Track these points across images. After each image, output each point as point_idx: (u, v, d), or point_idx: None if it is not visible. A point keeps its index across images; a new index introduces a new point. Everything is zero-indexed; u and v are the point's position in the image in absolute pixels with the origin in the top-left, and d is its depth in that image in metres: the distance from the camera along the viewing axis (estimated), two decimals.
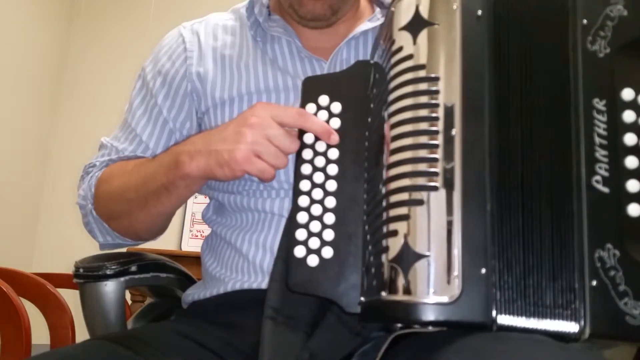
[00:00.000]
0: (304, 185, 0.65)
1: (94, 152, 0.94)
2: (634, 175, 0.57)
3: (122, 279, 0.85)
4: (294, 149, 0.68)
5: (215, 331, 0.77)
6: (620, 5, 0.60)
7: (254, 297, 0.74)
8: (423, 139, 0.56)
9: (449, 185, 0.54)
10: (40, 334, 1.16)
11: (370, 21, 0.86)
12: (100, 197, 0.86)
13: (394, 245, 0.54)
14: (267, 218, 0.82)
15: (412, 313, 0.52)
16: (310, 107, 0.68)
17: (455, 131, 0.55)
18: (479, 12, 0.58)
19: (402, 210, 0.55)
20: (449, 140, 0.55)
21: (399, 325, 0.55)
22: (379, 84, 0.64)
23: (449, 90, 0.56)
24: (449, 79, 0.56)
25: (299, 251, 0.63)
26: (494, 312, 0.52)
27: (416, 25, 0.59)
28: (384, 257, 0.55)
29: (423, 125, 0.56)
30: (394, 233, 0.55)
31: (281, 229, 0.75)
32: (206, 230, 0.99)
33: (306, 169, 0.66)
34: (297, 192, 0.65)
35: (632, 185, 0.57)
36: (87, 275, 0.85)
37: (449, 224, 0.53)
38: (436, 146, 0.55)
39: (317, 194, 0.65)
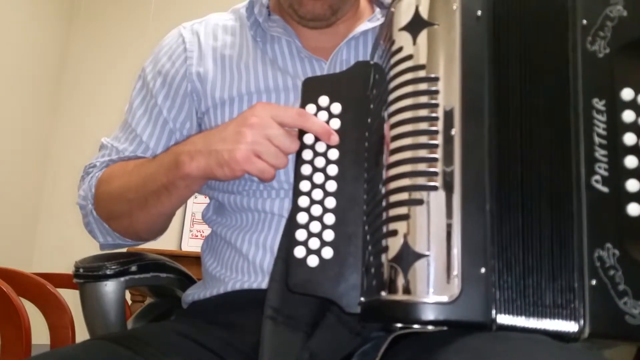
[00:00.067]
0: (304, 185, 0.65)
1: (94, 152, 0.94)
2: (634, 175, 0.57)
3: (122, 279, 0.85)
4: (294, 149, 0.68)
5: (215, 331, 0.77)
6: (620, 6, 0.60)
7: (254, 297, 0.75)
8: (423, 139, 0.56)
9: (448, 185, 0.54)
10: (40, 334, 1.16)
11: (370, 21, 0.86)
12: (100, 198, 0.86)
13: (394, 245, 0.54)
14: (267, 218, 0.82)
15: (412, 313, 0.52)
16: (310, 108, 0.68)
17: (455, 131, 0.55)
18: (479, 13, 0.58)
19: (402, 210, 0.55)
20: (448, 140, 0.55)
21: (399, 325, 0.55)
22: (379, 84, 0.64)
23: (449, 91, 0.56)
24: (449, 79, 0.56)
25: (299, 251, 0.63)
26: (493, 312, 0.52)
27: (416, 25, 0.59)
28: (383, 257, 0.55)
29: (423, 125, 0.56)
30: (394, 233, 0.55)
31: (281, 229, 0.75)
32: (206, 230, 0.99)
33: (306, 169, 0.66)
34: (297, 193, 0.65)
35: (631, 185, 0.57)
36: (87, 275, 0.85)
37: (449, 223, 0.53)
38: (436, 146, 0.55)
39: (317, 194, 0.65)
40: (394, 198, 0.56)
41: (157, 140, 0.88)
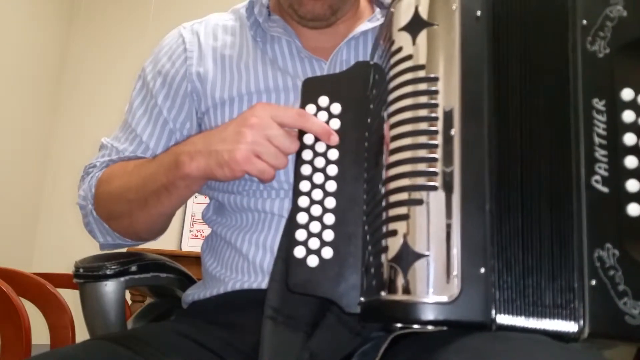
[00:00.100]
0: (304, 185, 0.65)
1: (94, 152, 0.94)
2: (634, 175, 0.57)
3: (122, 279, 0.85)
4: (294, 149, 0.68)
5: (215, 331, 0.77)
6: (620, 6, 0.60)
7: (254, 297, 0.75)
8: (422, 139, 0.56)
9: (448, 185, 0.54)
10: (40, 334, 1.16)
11: (370, 21, 0.86)
12: (100, 198, 0.86)
13: (394, 245, 0.54)
14: (267, 218, 0.82)
15: (412, 312, 0.52)
16: (310, 108, 0.68)
17: (455, 131, 0.55)
18: (478, 13, 0.58)
19: (402, 210, 0.55)
20: (448, 140, 0.55)
21: (399, 325, 0.55)
22: (379, 84, 0.64)
23: (448, 91, 0.56)
24: (448, 79, 0.56)
25: (299, 251, 0.63)
26: (493, 312, 0.52)
27: (415, 25, 0.59)
28: (383, 257, 0.55)
29: (422, 125, 0.56)
30: (394, 233, 0.55)
31: (281, 229, 0.75)
32: (206, 230, 0.99)
33: (306, 169, 0.66)
34: (297, 193, 0.65)
35: (631, 185, 0.57)
36: (87, 275, 0.85)
37: (448, 224, 0.53)
38: (435, 146, 0.55)
39: (317, 194, 0.65)
40: (393, 198, 0.56)
41: (157, 140, 0.88)
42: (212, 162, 0.70)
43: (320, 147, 0.67)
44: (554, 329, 0.53)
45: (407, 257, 0.53)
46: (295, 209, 0.65)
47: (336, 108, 0.68)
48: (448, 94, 0.56)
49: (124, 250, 0.96)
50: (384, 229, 0.56)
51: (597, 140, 0.57)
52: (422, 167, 0.55)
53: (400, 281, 0.53)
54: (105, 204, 0.86)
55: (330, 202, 0.64)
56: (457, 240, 0.52)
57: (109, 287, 0.84)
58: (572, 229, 0.55)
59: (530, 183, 0.56)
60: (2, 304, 1.07)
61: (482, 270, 0.52)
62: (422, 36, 0.58)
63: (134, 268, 0.87)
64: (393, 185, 0.56)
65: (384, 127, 0.59)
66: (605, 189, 0.56)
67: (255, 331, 0.66)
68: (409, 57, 0.58)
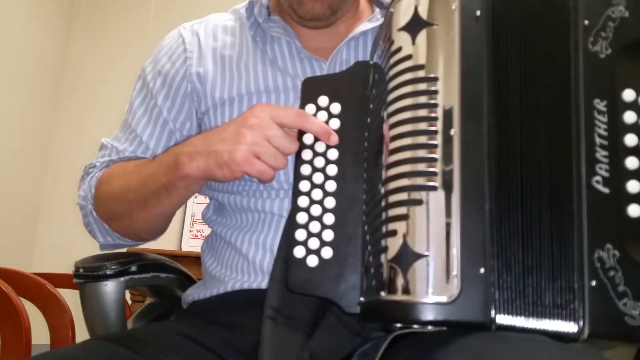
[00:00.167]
0: (304, 185, 0.65)
1: (94, 152, 0.94)
2: (634, 176, 0.57)
3: (122, 279, 0.85)
4: (293, 149, 0.68)
5: (215, 331, 0.77)
6: (622, 7, 0.60)
7: (254, 297, 0.75)
8: (422, 139, 0.56)
9: (447, 185, 0.54)
10: (40, 334, 1.16)
11: (369, 21, 0.86)
12: (100, 198, 0.86)
13: (393, 245, 0.54)
14: (267, 218, 0.82)
15: (411, 313, 0.52)
16: (310, 108, 0.68)
17: (454, 131, 0.55)
18: (478, 13, 0.58)
19: (401, 210, 0.55)
20: (447, 140, 0.55)
21: (399, 325, 0.55)
22: (378, 84, 0.64)
23: (448, 91, 0.56)
24: (448, 79, 0.56)
25: (299, 251, 0.63)
26: (492, 312, 0.52)
27: (415, 25, 0.59)
28: (383, 257, 0.55)
29: (422, 125, 0.56)
30: (393, 233, 0.55)
31: (281, 229, 0.75)
32: (206, 230, 0.99)
33: (306, 169, 0.66)
34: (296, 193, 0.65)
35: (632, 186, 0.57)
36: (87, 275, 0.85)
37: (448, 223, 0.53)
38: (435, 146, 0.55)
39: (317, 194, 0.65)
40: (393, 198, 0.56)
41: (157, 140, 0.88)
42: (212, 162, 0.70)
43: (320, 147, 0.67)
44: (554, 330, 0.53)
45: (407, 257, 0.53)
46: (295, 208, 0.65)
47: (336, 108, 0.68)
48: (447, 94, 0.56)
49: (124, 250, 0.96)
50: (384, 229, 0.56)
51: (598, 140, 0.57)
52: (421, 167, 0.55)
53: (399, 281, 0.53)
54: (105, 204, 0.86)
55: (330, 202, 0.64)
56: (457, 240, 0.52)
57: (109, 287, 0.84)
58: (572, 230, 0.55)
59: (530, 183, 0.56)
60: (2, 304, 1.07)
61: (482, 270, 0.52)
62: (422, 36, 0.58)
63: (134, 268, 0.87)
64: (393, 185, 0.56)
65: (384, 127, 0.59)
66: (605, 190, 0.56)
67: (255, 331, 0.66)
68: (409, 57, 0.58)
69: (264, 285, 0.78)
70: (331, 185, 0.65)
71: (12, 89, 2.89)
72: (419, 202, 0.54)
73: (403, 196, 0.55)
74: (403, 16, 0.60)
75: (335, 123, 0.67)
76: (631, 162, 0.57)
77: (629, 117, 0.58)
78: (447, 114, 0.56)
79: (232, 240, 0.83)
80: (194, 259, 1.58)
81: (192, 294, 0.86)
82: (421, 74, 0.57)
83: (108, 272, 0.84)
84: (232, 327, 0.77)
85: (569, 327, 0.53)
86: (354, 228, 0.63)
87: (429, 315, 0.51)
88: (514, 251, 0.54)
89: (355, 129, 0.66)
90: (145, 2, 3.10)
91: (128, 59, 2.72)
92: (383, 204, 0.57)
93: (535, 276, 0.54)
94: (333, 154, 0.66)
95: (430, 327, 0.54)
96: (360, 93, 0.67)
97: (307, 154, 0.67)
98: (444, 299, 0.51)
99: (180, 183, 0.75)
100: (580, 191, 0.56)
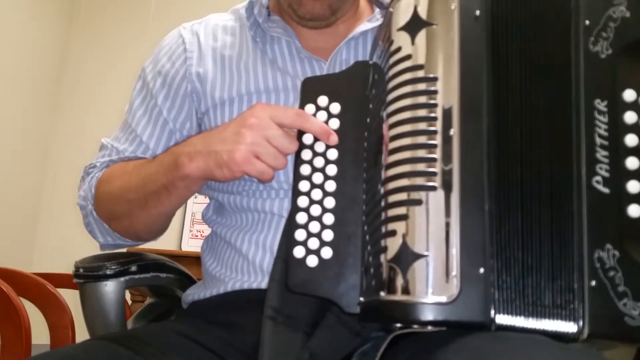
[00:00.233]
0: (303, 185, 0.65)
1: (94, 152, 0.94)
2: (635, 176, 0.57)
3: (122, 279, 0.85)
4: (293, 149, 0.68)
5: (215, 331, 0.77)
6: (623, 7, 0.60)
7: (254, 297, 0.75)
8: (421, 139, 0.56)
9: (447, 185, 0.54)
10: (40, 334, 1.16)
11: (369, 21, 0.86)
12: (100, 198, 0.86)
13: (393, 245, 0.54)
14: (267, 218, 0.82)
15: (411, 313, 0.52)
16: (309, 108, 0.68)
17: (454, 131, 0.55)
18: (477, 13, 0.58)
19: (401, 210, 0.55)
20: (447, 140, 0.55)
21: (398, 325, 0.55)
22: (378, 84, 0.64)
23: (447, 91, 0.56)
24: (447, 79, 0.56)
25: (299, 252, 0.63)
26: (492, 312, 0.52)
27: (414, 25, 0.59)
28: (382, 257, 0.55)
29: (421, 126, 0.56)
30: (393, 233, 0.55)
31: (281, 229, 0.75)
32: (206, 230, 0.99)
33: (305, 169, 0.66)
34: (296, 193, 0.65)
35: (632, 186, 0.57)
36: (87, 275, 0.85)
37: (447, 223, 0.53)
38: (434, 146, 0.55)
39: (317, 194, 0.65)
40: (392, 198, 0.56)
41: (157, 140, 0.88)
42: (212, 162, 0.70)
43: (320, 147, 0.67)
44: (554, 330, 0.53)
45: (406, 257, 0.53)
46: (295, 209, 0.65)
47: (335, 108, 0.68)
48: (447, 94, 0.56)
49: (124, 250, 0.96)
50: (383, 229, 0.56)
51: (598, 140, 0.57)
52: (421, 167, 0.55)
53: (399, 281, 0.53)
54: (105, 204, 0.86)
55: (330, 202, 0.64)
56: (456, 240, 0.52)
57: (109, 287, 0.84)
58: (572, 230, 0.55)
59: (530, 183, 0.56)
60: (2, 304, 1.07)
61: (482, 270, 0.52)
62: (421, 36, 0.58)
63: (134, 268, 0.87)
64: (392, 185, 0.56)
65: (383, 127, 0.59)
66: (606, 190, 0.56)
67: (255, 331, 0.66)
68: (408, 57, 0.58)
69: (264, 285, 0.78)
70: (331, 185, 0.65)
71: (12, 89, 2.89)
72: (418, 202, 0.54)
73: (402, 196, 0.55)
74: (402, 16, 0.60)
75: (334, 123, 0.67)
76: (631, 163, 0.57)
77: (630, 117, 0.58)
78: (447, 114, 0.56)
79: (232, 240, 0.83)
80: (194, 259, 1.58)
81: (192, 294, 0.86)
82: (420, 73, 0.57)
83: (108, 272, 0.84)
84: (232, 327, 0.77)
85: (569, 327, 0.53)
86: (354, 228, 0.63)
87: (428, 315, 0.51)
88: (514, 251, 0.54)
89: (354, 129, 0.66)
90: (145, 2, 3.10)
91: (128, 59, 2.72)
92: (382, 204, 0.57)
93: (535, 276, 0.54)
94: (333, 154, 0.66)
95: (430, 327, 0.53)
96: (360, 93, 0.67)
97: (306, 154, 0.67)
98: (443, 299, 0.51)
99: (180, 183, 0.75)
100: (581, 191, 0.56)
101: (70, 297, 1.16)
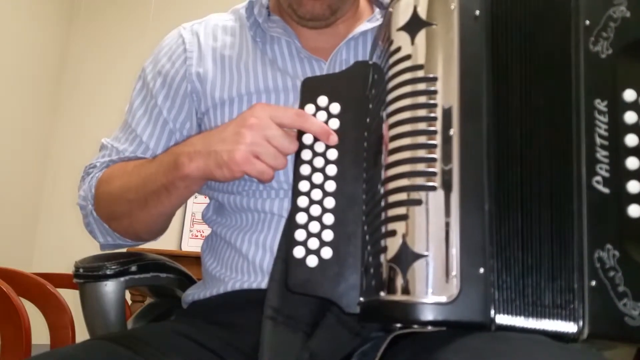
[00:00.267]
0: (303, 185, 0.65)
1: (94, 152, 0.94)
2: (635, 176, 0.57)
3: (122, 279, 0.85)
4: (293, 149, 0.68)
5: (215, 331, 0.77)
6: (623, 7, 0.60)
7: (254, 297, 0.75)
8: (421, 139, 0.56)
9: (447, 185, 0.54)
10: (40, 334, 1.16)
11: (369, 21, 0.86)
12: (100, 198, 0.86)
13: (393, 245, 0.54)
14: (267, 218, 0.82)
15: (411, 313, 0.52)
16: (309, 108, 0.68)
17: (453, 131, 0.55)
18: (477, 12, 0.58)
19: (401, 210, 0.55)
20: (447, 140, 0.55)
21: (398, 325, 0.55)
22: (378, 84, 0.64)
23: (447, 91, 0.56)
24: (447, 79, 0.56)
25: (298, 252, 0.63)
26: (492, 312, 0.52)
27: (414, 25, 0.59)
28: (382, 257, 0.55)
29: (421, 126, 0.56)
30: (393, 233, 0.55)
31: (281, 229, 0.75)
32: (206, 230, 0.99)
33: (305, 169, 0.66)
34: (296, 193, 0.65)
35: (632, 186, 0.57)
36: (87, 275, 0.85)
37: (447, 223, 0.53)
38: (434, 146, 0.55)
39: (316, 194, 0.65)
40: (392, 198, 0.56)
41: (157, 140, 0.88)
42: (211, 162, 0.70)
43: (320, 147, 0.67)
44: (554, 330, 0.53)
45: (406, 257, 0.53)
46: (295, 209, 0.65)
47: (335, 108, 0.68)
48: (447, 94, 0.56)
49: (124, 250, 0.96)
50: (383, 229, 0.56)
51: (598, 140, 0.57)
52: (421, 167, 0.55)
53: (399, 281, 0.53)
54: (105, 204, 0.86)
55: (330, 202, 0.64)
56: (456, 240, 0.52)
57: (109, 287, 0.84)
58: (572, 230, 0.55)
59: (530, 183, 0.56)
60: (2, 304, 1.07)
61: (481, 270, 0.52)
62: (421, 36, 0.58)
63: (134, 268, 0.87)
64: (392, 185, 0.56)
65: (383, 127, 0.59)
66: (606, 190, 0.56)
67: (255, 331, 0.66)
68: (408, 57, 0.58)
69: (264, 285, 0.78)
70: (331, 185, 0.65)
71: (12, 89, 2.89)
72: (418, 202, 0.54)
73: (402, 196, 0.55)
74: (402, 16, 0.60)
75: (334, 123, 0.67)
76: (632, 163, 0.57)
77: (630, 117, 0.58)
78: (446, 114, 0.56)
79: (232, 240, 0.83)
80: (194, 259, 1.58)
81: (192, 294, 0.86)
82: (420, 73, 0.57)
83: (108, 272, 0.84)
84: (232, 327, 0.77)
85: (569, 327, 0.53)
86: (354, 228, 0.63)
87: (428, 315, 0.51)
88: (514, 251, 0.54)
89: (354, 129, 0.66)
90: (145, 2, 3.10)
91: (128, 59, 2.72)
92: (382, 204, 0.57)
93: (534, 276, 0.54)
94: (332, 154, 0.66)
95: (430, 327, 0.53)
96: (360, 93, 0.67)
97: (306, 154, 0.67)
98: (443, 299, 0.51)
99: (180, 183, 0.75)
100: (581, 191, 0.56)
101: (70, 297, 1.16)
